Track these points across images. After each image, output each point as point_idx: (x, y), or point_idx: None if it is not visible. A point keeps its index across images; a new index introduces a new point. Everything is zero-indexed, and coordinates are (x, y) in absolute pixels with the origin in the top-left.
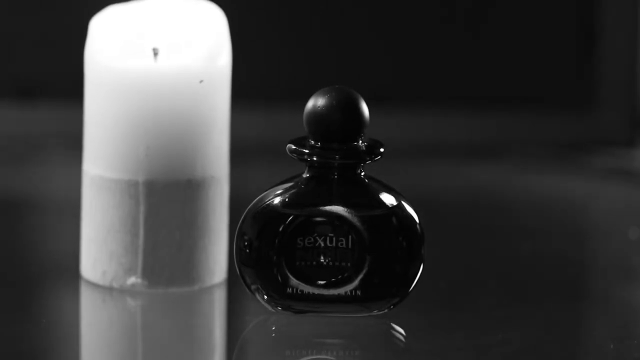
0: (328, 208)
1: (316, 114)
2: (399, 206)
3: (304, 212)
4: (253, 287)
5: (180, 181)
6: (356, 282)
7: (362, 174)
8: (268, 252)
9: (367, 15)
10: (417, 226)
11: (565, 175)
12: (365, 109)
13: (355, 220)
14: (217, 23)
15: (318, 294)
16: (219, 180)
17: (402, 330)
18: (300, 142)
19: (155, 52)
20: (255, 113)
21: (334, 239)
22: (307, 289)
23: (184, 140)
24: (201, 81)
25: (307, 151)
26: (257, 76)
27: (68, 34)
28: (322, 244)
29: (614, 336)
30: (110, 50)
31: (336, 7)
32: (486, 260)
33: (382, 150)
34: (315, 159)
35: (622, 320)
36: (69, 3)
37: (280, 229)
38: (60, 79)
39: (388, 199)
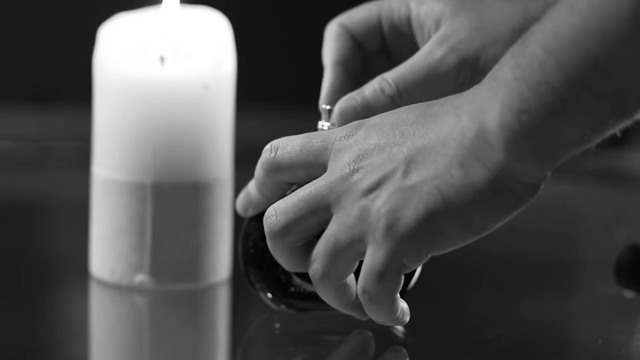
0: None
1: None
2: None
3: None
4: (257, 285)
5: (186, 183)
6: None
7: None
8: None
9: None
10: None
11: (555, 177)
12: None
13: None
14: (222, 31)
15: None
16: (223, 182)
17: (401, 327)
18: None
19: (162, 59)
20: (259, 117)
21: None
22: (310, 287)
23: (190, 143)
24: (206, 87)
25: None
26: (261, 81)
27: (78, 41)
28: None
29: (601, 332)
30: (119, 57)
31: (338, 12)
32: (481, 260)
33: None
34: None
35: (609, 317)
36: (79, 13)
37: None
38: (70, 85)
39: None
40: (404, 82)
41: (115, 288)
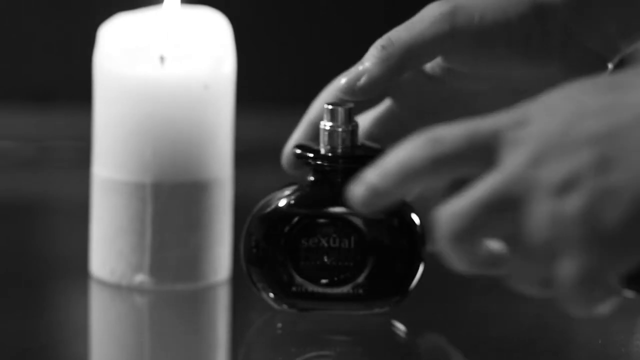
0: (331, 210)
1: None
2: (401, 208)
3: (308, 214)
4: (259, 285)
5: (186, 183)
6: (358, 281)
7: None
8: (274, 252)
9: (370, 19)
10: (418, 227)
11: None
12: None
13: (357, 221)
14: (222, 31)
15: (322, 293)
16: (223, 182)
17: (402, 327)
18: (304, 146)
19: (162, 59)
20: (259, 117)
21: (337, 239)
22: (312, 287)
23: (190, 143)
24: (206, 87)
25: (311, 155)
26: (261, 81)
27: (78, 41)
28: (326, 245)
29: (601, 332)
30: (119, 57)
31: (338, 12)
32: None
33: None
34: (319, 163)
35: (609, 317)
36: (79, 13)
37: (286, 230)
38: (70, 85)
39: None
40: (396, 32)
41: (115, 288)
